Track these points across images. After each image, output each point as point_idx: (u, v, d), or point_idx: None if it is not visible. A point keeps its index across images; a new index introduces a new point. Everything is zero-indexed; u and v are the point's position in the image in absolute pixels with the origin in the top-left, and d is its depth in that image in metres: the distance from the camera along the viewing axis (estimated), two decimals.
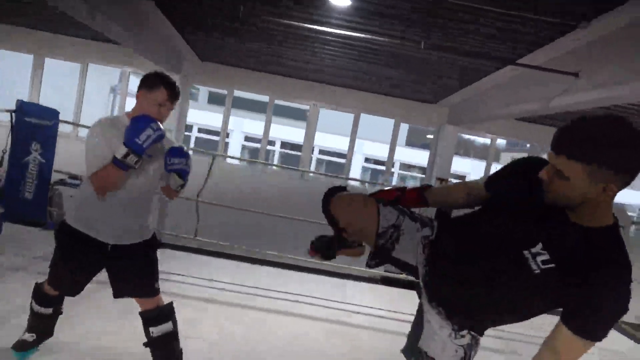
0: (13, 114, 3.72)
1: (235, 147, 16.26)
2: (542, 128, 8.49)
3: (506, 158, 21.75)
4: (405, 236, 1.52)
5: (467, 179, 19.53)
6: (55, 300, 2.37)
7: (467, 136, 7.92)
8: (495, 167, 9.29)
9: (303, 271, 5.09)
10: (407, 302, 4.48)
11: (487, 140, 15.15)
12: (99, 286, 2.35)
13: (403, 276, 6.52)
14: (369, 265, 1.69)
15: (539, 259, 1.25)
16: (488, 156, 9.24)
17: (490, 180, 1.52)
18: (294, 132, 17.06)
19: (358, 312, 3.95)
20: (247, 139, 17.45)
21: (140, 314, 2.30)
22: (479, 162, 18.23)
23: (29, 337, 2.41)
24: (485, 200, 1.55)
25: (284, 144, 17.71)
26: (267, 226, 7.03)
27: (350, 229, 1.57)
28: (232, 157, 8.88)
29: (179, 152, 2.16)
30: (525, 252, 1.27)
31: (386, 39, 5.15)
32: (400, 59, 6.01)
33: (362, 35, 5.18)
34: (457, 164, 8.54)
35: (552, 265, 1.24)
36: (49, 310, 2.37)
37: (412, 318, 4.08)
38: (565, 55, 4.83)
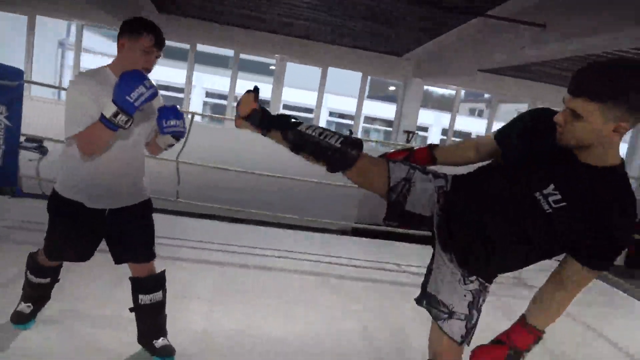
0: None
1: (196, 103, 15.81)
2: (505, 79, 8.69)
3: (464, 108, 22.21)
4: (417, 187, 1.57)
5: (429, 131, 19.96)
6: (53, 270, 2.28)
7: (425, 87, 8.03)
8: (455, 118, 9.50)
9: (283, 227, 5.17)
10: (383, 252, 4.68)
11: (445, 92, 15.36)
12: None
13: (373, 227, 6.77)
14: (384, 221, 1.76)
15: (551, 199, 1.33)
16: (453, 107, 9.42)
17: (501, 134, 1.56)
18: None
19: (341, 264, 4.09)
20: (208, 94, 16.98)
21: (132, 279, 2.19)
22: (440, 113, 18.55)
23: (26, 307, 2.31)
24: (494, 154, 1.62)
25: None
26: (243, 185, 7.02)
27: (359, 179, 1.63)
28: (214, 117, 8.61)
29: (174, 113, 2.02)
30: (537, 194, 1.35)
31: None
32: (369, 10, 5.94)
33: None
34: (419, 116, 8.75)
35: (564, 204, 1.31)
36: (47, 280, 2.28)
37: (390, 266, 4.23)
38: (533, 7, 4.91)
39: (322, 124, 9.37)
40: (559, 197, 1.32)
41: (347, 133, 1.67)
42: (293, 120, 1.73)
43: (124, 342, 2.30)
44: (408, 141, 8.61)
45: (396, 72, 8.80)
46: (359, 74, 9.00)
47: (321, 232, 5.42)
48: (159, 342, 2.23)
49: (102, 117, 1.77)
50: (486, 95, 16.52)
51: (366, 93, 9.20)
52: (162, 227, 4.08)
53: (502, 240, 1.45)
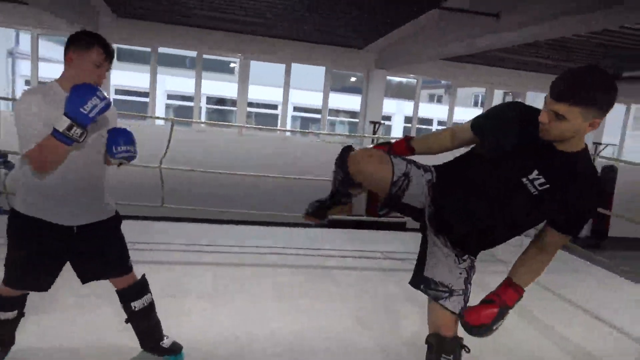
0: None
1: (158, 107, 15.54)
2: (464, 65, 9.03)
3: (424, 95, 22.73)
4: (413, 182, 1.74)
5: (392, 119, 20.36)
6: (18, 301, 2.09)
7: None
8: (418, 107, 9.80)
9: (264, 225, 5.29)
10: (363, 241, 4.88)
11: (403, 79, 15.71)
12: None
13: (349, 218, 6.98)
14: (380, 214, 1.94)
15: (536, 182, 1.57)
16: (415, 96, 9.70)
17: (478, 125, 1.74)
18: (217, 86, 16.55)
19: (327, 256, 4.25)
20: (169, 97, 16.73)
21: (119, 292, 2.19)
22: (401, 101, 18.92)
23: None
24: (470, 142, 1.82)
25: (209, 99, 17.18)
26: (221, 185, 7.08)
27: (368, 181, 1.79)
28: (199, 122, 8.60)
29: (124, 138, 2.00)
30: (524, 179, 1.58)
31: None
32: (329, 5, 6.08)
33: None
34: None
35: (547, 186, 1.56)
36: (13, 314, 2.08)
37: (369, 254, 4.42)
38: None
39: (288, 120, 9.46)
40: (543, 180, 1.56)
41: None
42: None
43: None
44: (375, 132, 8.83)
45: (358, 65, 9.00)
46: (319, 68, 9.15)
47: (300, 226, 5.59)
48: (166, 342, 2.31)
49: (55, 131, 1.73)
50: (443, 81, 17.04)
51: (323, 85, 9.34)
52: (150, 232, 4.17)
53: (493, 223, 1.68)
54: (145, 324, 2.27)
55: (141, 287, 2.23)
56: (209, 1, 6.36)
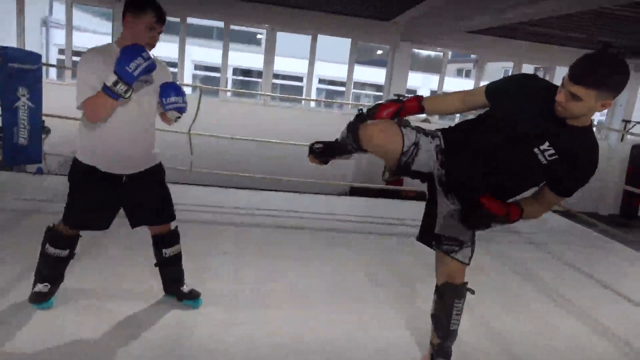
0: None
1: (185, 77, 15.73)
2: (492, 39, 8.87)
3: (452, 69, 22.30)
4: (422, 150, 1.88)
5: (418, 93, 20.05)
6: (71, 242, 2.35)
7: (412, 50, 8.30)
8: (444, 80, 9.71)
9: (289, 192, 5.48)
10: (381, 208, 5.02)
11: (432, 53, 15.44)
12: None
13: (371, 186, 7.14)
14: (385, 180, 2.13)
15: (547, 153, 1.73)
16: (441, 69, 9.62)
17: (493, 91, 1.85)
18: (244, 57, 16.62)
19: (345, 220, 4.42)
20: (196, 67, 16.92)
21: (154, 237, 2.42)
22: (428, 75, 18.65)
23: (43, 287, 2.35)
24: (481, 107, 1.94)
25: (235, 71, 17.29)
26: (243, 154, 7.30)
27: (378, 152, 1.94)
28: (226, 90, 8.74)
29: (174, 90, 2.19)
30: (535, 150, 1.74)
31: None
32: None
33: None
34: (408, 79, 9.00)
35: (556, 157, 1.73)
36: (65, 252, 2.34)
37: (391, 220, 4.56)
38: None
39: (313, 92, 9.53)
40: (552, 151, 1.73)
41: (359, 112, 1.99)
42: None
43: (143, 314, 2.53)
44: None
45: (384, 37, 8.95)
46: (345, 40, 9.13)
47: (321, 194, 5.77)
48: (185, 288, 2.54)
49: (104, 86, 1.95)
50: (473, 55, 16.67)
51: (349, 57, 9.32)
52: (178, 195, 4.40)
53: (501, 184, 1.87)
54: (172, 270, 2.51)
55: (174, 236, 2.47)
56: None
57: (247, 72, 18.40)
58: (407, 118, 2.05)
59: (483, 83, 8.54)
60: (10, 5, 8.56)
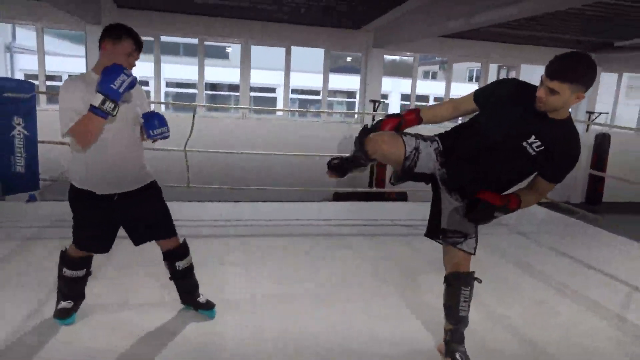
0: None
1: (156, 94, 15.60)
2: (459, 41, 9.22)
3: (419, 72, 22.87)
4: (423, 154, 2.09)
5: (389, 97, 20.55)
6: (85, 262, 2.45)
7: None
8: (416, 84, 9.99)
9: (276, 202, 5.58)
10: (373, 210, 5.18)
11: (397, 57, 15.75)
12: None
13: (353, 190, 7.32)
14: (393, 184, 2.33)
15: (534, 145, 1.96)
16: (412, 73, 9.91)
17: (481, 97, 2.09)
18: (213, 72, 16.60)
19: (341, 225, 4.56)
20: (168, 84, 16.84)
21: (165, 253, 2.48)
22: (397, 79, 19.06)
23: (67, 304, 2.46)
24: (471, 112, 2.14)
25: (205, 85, 17.25)
26: (226, 167, 7.35)
27: (384, 159, 2.14)
28: (210, 106, 8.75)
29: (158, 120, 2.28)
30: (524, 143, 1.97)
31: None
32: None
33: None
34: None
35: (543, 147, 1.96)
36: (82, 272, 2.44)
37: (384, 221, 4.71)
38: None
39: (287, 101, 9.70)
40: (539, 143, 1.95)
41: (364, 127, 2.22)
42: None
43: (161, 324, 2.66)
44: (375, 110, 9.07)
45: (356, 45, 9.18)
46: (314, 50, 9.34)
47: (309, 201, 5.89)
48: (202, 298, 2.63)
49: (92, 107, 2.01)
50: (437, 58, 17.20)
51: (322, 67, 9.50)
52: (178, 212, 4.45)
53: (498, 178, 2.09)
54: (187, 282, 2.59)
55: (184, 249, 2.54)
56: None
57: (215, 86, 18.41)
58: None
59: (453, 83, 8.82)
60: None
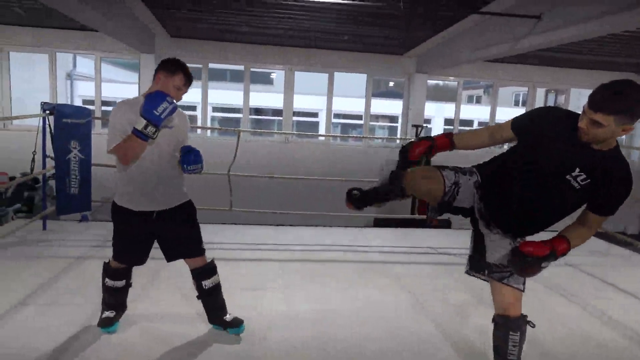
0: (48, 117, 3.91)
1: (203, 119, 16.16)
2: (505, 65, 9.08)
3: (463, 96, 22.56)
4: (462, 188, 2.02)
5: (432, 122, 20.33)
6: (125, 273, 2.60)
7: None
8: (460, 109, 9.85)
9: (319, 226, 5.59)
10: (413, 238, 5.09)
11: (440, 82, 15.66)
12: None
13: (394, 217, 7.22)
14: (430, 218, 2.25)
15: (579, 179, 1.84)
16: (456, 98, 9.80)
17: (519, 124, 2.00)
18: (258, 97, 17.03)
19: (381, 252, 4.50)
20: (214, 109, 17.41)
21: (193, 271, 2.57)
22: (440, 104, 18.88)
23: (110, 313, 2.63)
24: (508, 140, 2.06)
25: (250, 110, 17.70)
26: (266, 190, 7.46)
27: (422, 195, 2.07)
28: (254, 131, 9.04)
29: (194, 157, 2.41)
30: (568, 176, 1.85)
31: (361, 2, 5.48)
32: (370, 15, 6.34)
33: (335, 1, 5.49)
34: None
35: (589, 181, 1.84)
36: (122, 283, 2.59)
37: (426, 249, 4.62)
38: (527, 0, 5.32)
39: (329, 126, 9.80)
40: (584, 176, 1.84)
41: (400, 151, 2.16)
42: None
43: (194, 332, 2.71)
44: (417, 135, 9.00)
45: (399, 70, 9.20)
46: (356, 74, 9.42)
47: (350, 227, 5.85)
48: (228, 317, 2.67)
49: (134, 129, 2.17)
50: (482, 82, 16.91)
51: (364, 91, 9.56)
52: (221, 234, 4.56)
53: (538, 212, 1.97)
54: (213, 300, 2.66)
55: (211, 269, 2.63)
56: (256, 19, 6.77)
57: (259, 111, 18.84)
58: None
59: (499, 108, 8.68)
60: (33, 62, 9.05)
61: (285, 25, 7.06)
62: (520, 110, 9.92)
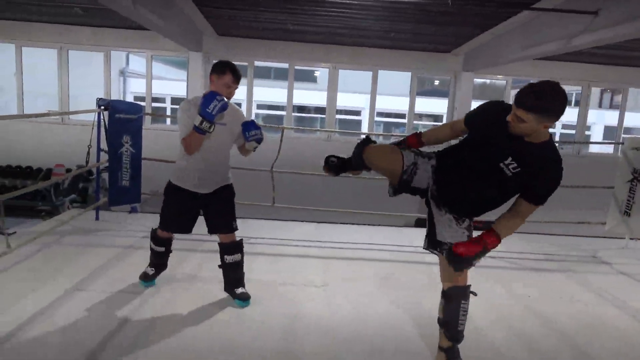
0: (103, 112, 4.12)
1: (247, 115, 16.40)
2: (556, 63, 8.71)
3: (511, 95, 21.78)
4: (420, 169, 2.22)
5: None
6: (166, 241, 3.11)
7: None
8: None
9: (361, 224, 5.59)
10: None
11: (486, 80, 15.23)
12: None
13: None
14: (391, 195, 2.38)
15: (510, 167, 2.03)
16: (503, 97, 9.51)
17: (469, 119, 2.19)
18: (301, 94, 17.15)
19: (422, 252, 4.44)
20: (258, 106, 17.70)
21: (220, 245, 2.95)
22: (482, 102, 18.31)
23: (150, 270, 3.16)
24: (463, 133, 2.25)
25: (293, 107, 17.84)
26: (307, 187, 7.52)
27: (380, 171, 2.28)
28: (297, 128, 9.20)
29: (253, 126, 2.79)
30: (501, 164, 2.04)
31: None
32: (417, 13, 6.25)
33: None
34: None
35: (519, 169, 2.02)
36: (162, 248, 3.11)
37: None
38: None
39: (372, 124, 9.75)
40: (515, 165, 2.03)
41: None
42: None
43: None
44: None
45: (445, 68, 9.03)
46: (400, 72, 9.30)
47: (391, 226, 5.81)
48: (239, 290, 3.00)
49: (194, 126, 2.57)
50: (532, 80, 16.19)
51: (408, 90, 9.43)
52: (263, 229, 4.65)
53: (480, 197, 2.18)
54: (231, 274, 3.00)
55: (235, 247, 2.97)
56: (303, 17, 6.82)
57: (302, 108, 18.98)
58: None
59: None
60: (89, 60, 9.50)
61: (331, 23, 7.08)
62: (573, 111, 9.49)
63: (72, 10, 7.41)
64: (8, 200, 3.22)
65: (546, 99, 1.85)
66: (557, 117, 1.90)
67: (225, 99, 2.62)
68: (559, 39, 5.59)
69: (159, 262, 3.19)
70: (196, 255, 3.80)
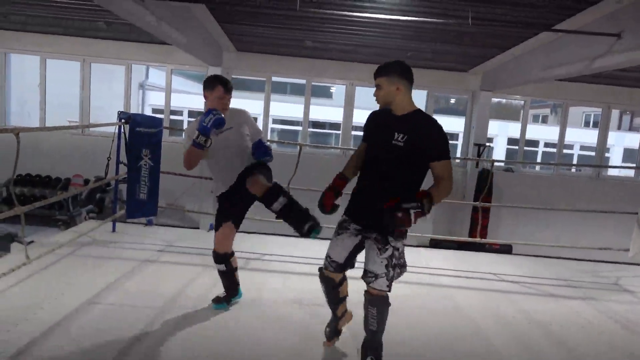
0: (124, 125, 4.17)
1: (264, 131, 16.55)
2: (576, 85, 8.62)
3: (529, 115, 21.60)
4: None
5: (495, 141, 19.67)
6: (225, 258, 3.09)
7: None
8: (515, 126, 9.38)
9: None
10: (470, 261, 4.90)
11: (502, 100, 15.14)
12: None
13: (451, 238, 7.01)
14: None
15: (399, 138, 2.36)
16: (521, 117, 9.43)
17: (363, 136, 2.61)
18: (317, 110, 17.23)
19: (440, 275, 4.37)
20: (274, 121, 17.81)
21: (259, 199, 2.80)
22: (504, 122, 18.26)
23: (222, 293, 3.23)
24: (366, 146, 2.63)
25: (308, 123, 17.93)
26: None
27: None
28: (316, 146, 9.21)
29: (263, 151, 2.94)
30: (393, 142, 2.37)
31: (431, 19, 5.42)
32: (436, 33, 6.26)
33: (406, 18, 5.46)
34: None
35: (406, 137, 2.35)
36: (223, 267, 3.11)
37: (486, 275, 4.42)
38: (605, 17, 5.04)
39: None
40: (402, 135, 2.37)
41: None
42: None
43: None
44: (479, 154, 8.73)
45: (463, 87, 8.99)
46: (416, 91, 9.25)
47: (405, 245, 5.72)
48: (306, 227, 2.80)
49: (192, 140, 2.71)
50: (550, 101, 16.14)
51: (424, 108, 9.40)
52: (275, 245, 4.62)
53: (395, 183, 2.40)
54: (290, 217, 2.80)
55: (274, 193, 2.75)
56: (322, 34, 6.87)
57: (317, 124, 19.06)
58: None
59: (568, 129, 8.18)
60: (109, 73, 9.66)
61: (349, 41, 7.12)
62: (592, 132, 9.34)
63: (97, 24, 7.58)
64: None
65: (387, 64, 2.40)
66: (402, 75, 2.36)
67: (221, 113, 2.73)
68: (581, 61, 5.53)
69: (226, 282, 3.21)
70: (213, 273, 3.77)
